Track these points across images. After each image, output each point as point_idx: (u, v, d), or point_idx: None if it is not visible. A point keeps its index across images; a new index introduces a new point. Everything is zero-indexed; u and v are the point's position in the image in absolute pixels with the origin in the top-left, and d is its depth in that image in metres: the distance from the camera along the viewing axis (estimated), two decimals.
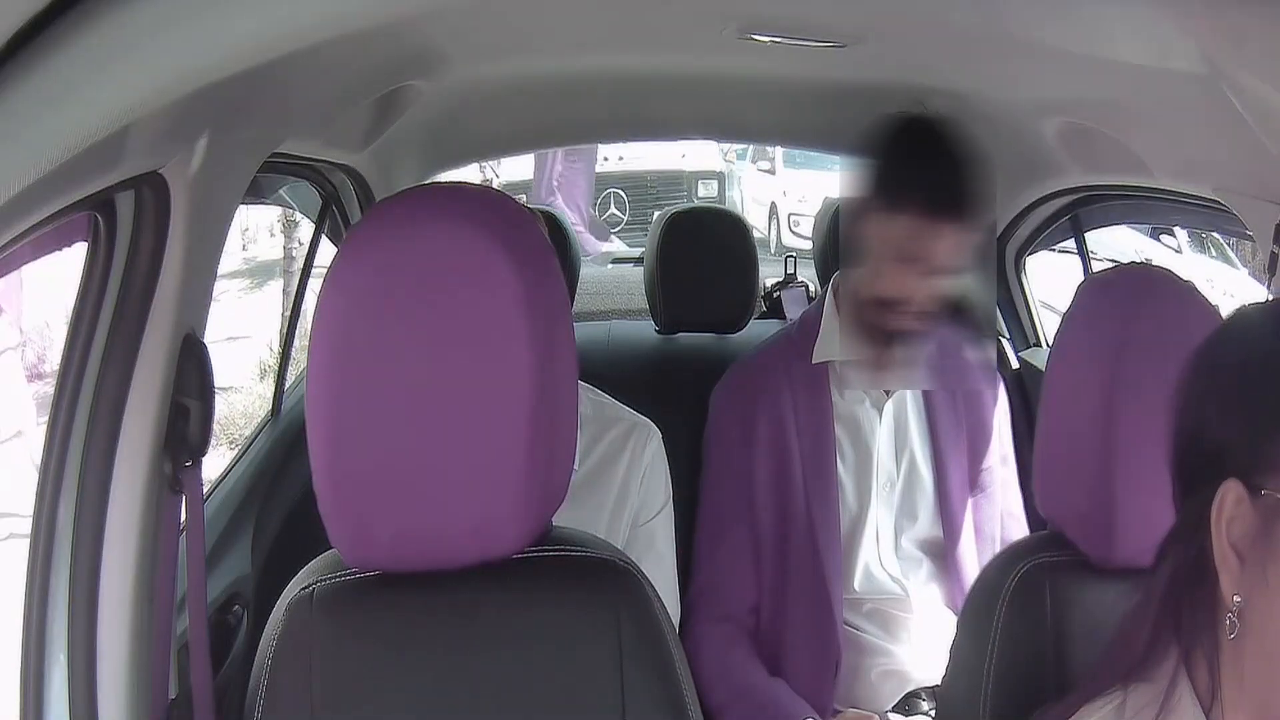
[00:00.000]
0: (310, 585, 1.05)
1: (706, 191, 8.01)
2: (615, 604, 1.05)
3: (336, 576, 1.05)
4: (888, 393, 1.80)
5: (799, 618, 1.76)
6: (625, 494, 1.75)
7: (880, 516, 1.78)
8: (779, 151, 9.79)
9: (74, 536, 1.20)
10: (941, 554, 1.80)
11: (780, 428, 1.76)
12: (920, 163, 1.65)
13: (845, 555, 1.76)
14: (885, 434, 1.80)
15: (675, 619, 1.72)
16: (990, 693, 1.22)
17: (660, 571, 1.74)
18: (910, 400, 1.82)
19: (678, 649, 1.07)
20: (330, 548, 1.03)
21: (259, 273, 9.04)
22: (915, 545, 1.80)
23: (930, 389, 1.81)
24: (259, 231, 10.86)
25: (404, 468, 0.97)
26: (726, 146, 9.01)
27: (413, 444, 0.96)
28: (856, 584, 1.77)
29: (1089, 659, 1.20)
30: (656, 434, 1.79)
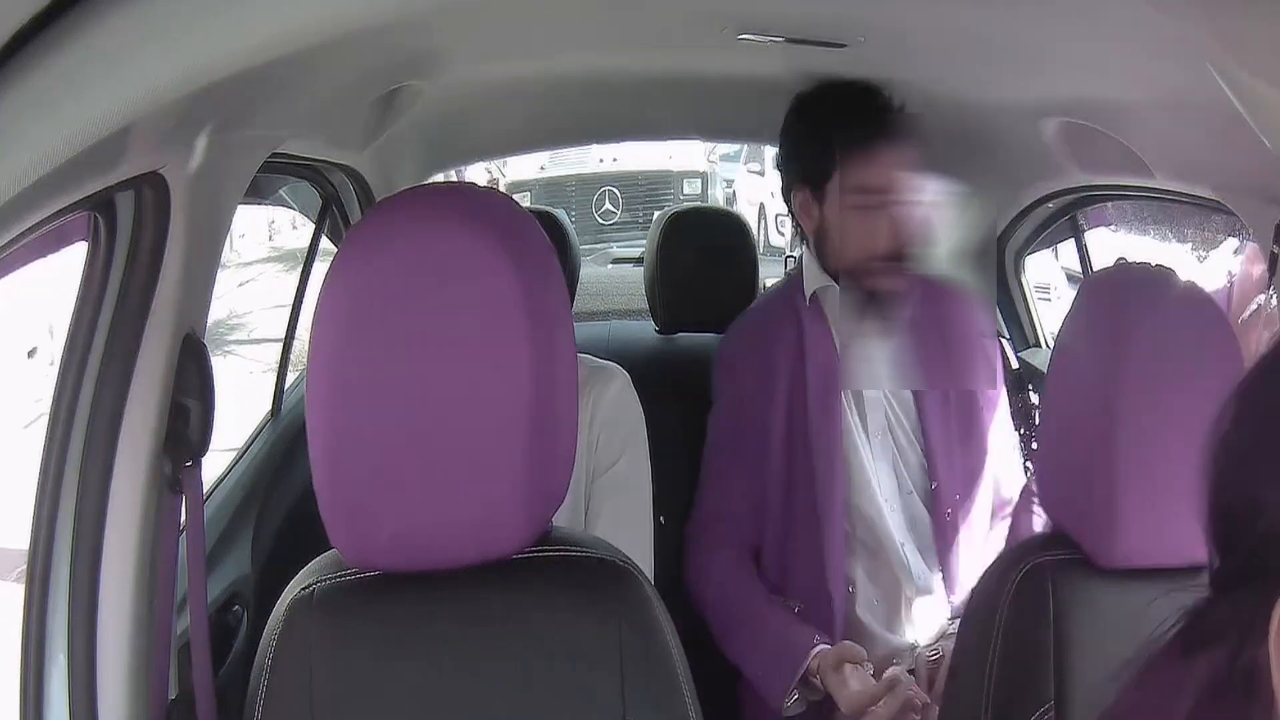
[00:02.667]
0: (310, 585, 1.05)
1: (691, 189, 8.61)
2: (615, 604, 1.05)
3: (337, 576, 1.05)
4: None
5: (803, 546, 1.76)
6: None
7: (871, 457, 1.79)
8: (769, 154, 9.84)
9: (74, 536, 1.20)
10: (929, 497, 1.80)
11: (792, 360, 1.78)
12: (832, 108, 1.74)
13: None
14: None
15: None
16: (992, 691, 1.22)
17: (622, 525, 1.63)
18: None
19: (678, 649, 1.07)
20: (330, 548, 1.03)
21: (289, 259, 9.49)
22: (902, 487, 1.80)
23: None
24: (283, 224, 11.31)
25: (404, 468, 0.97)
26: (710, 147, 9.32)
27: (413, 444, 0.96)
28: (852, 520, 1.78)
29: (1091, 658, 1.21)
30: (619, 377, 1.72)
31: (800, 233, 1.85)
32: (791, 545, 1.78)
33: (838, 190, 1.71)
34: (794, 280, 1.87)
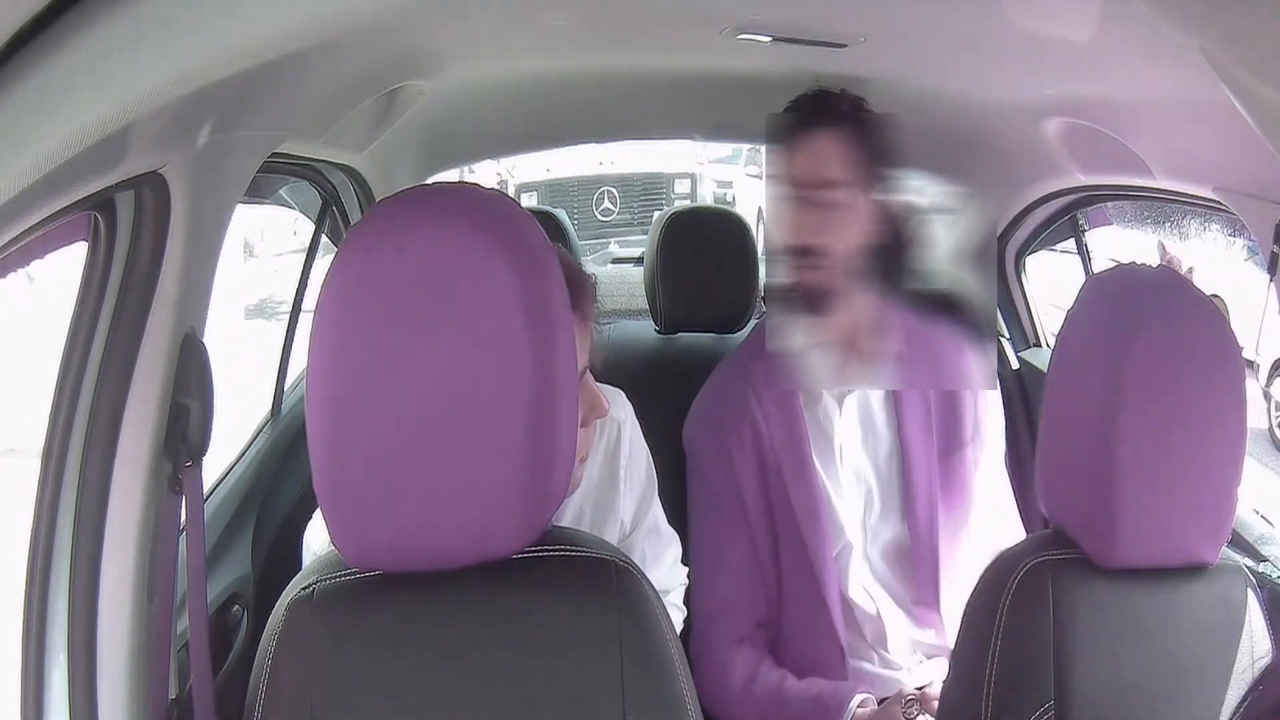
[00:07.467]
0: (310, 585, 1.05)
1: (682, 188, 9.43)
2: (615, 604, 1.05)
3: (337, 576, 1.05)
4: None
5: (798, 617, 1.74)
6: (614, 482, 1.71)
7: (851, 510, 1.75)
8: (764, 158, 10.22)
9: (74, 536, 1.20)
10: (907, 549, 1.75)
11: (755, 435, 1.74)
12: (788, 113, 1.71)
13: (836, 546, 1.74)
14: (849, 426, 1.76)
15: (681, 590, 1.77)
16: (992, 691, 1.23)
17: (665, 551, 1.73)
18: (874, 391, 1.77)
19: (678, 649, 1.07)
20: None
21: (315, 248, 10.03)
22: (884, 541, 1.77)
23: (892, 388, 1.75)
24: (305, 223, 11.67)
25: (404, 468, 0.97)
26: (701, 149, 9.90)
27: (412, 444, 0.96)
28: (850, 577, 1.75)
29: (1091, 658, 1.21)
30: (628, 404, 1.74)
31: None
32: (787, 612, 1.76)
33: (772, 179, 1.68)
34: (750, 345, 1.83)
